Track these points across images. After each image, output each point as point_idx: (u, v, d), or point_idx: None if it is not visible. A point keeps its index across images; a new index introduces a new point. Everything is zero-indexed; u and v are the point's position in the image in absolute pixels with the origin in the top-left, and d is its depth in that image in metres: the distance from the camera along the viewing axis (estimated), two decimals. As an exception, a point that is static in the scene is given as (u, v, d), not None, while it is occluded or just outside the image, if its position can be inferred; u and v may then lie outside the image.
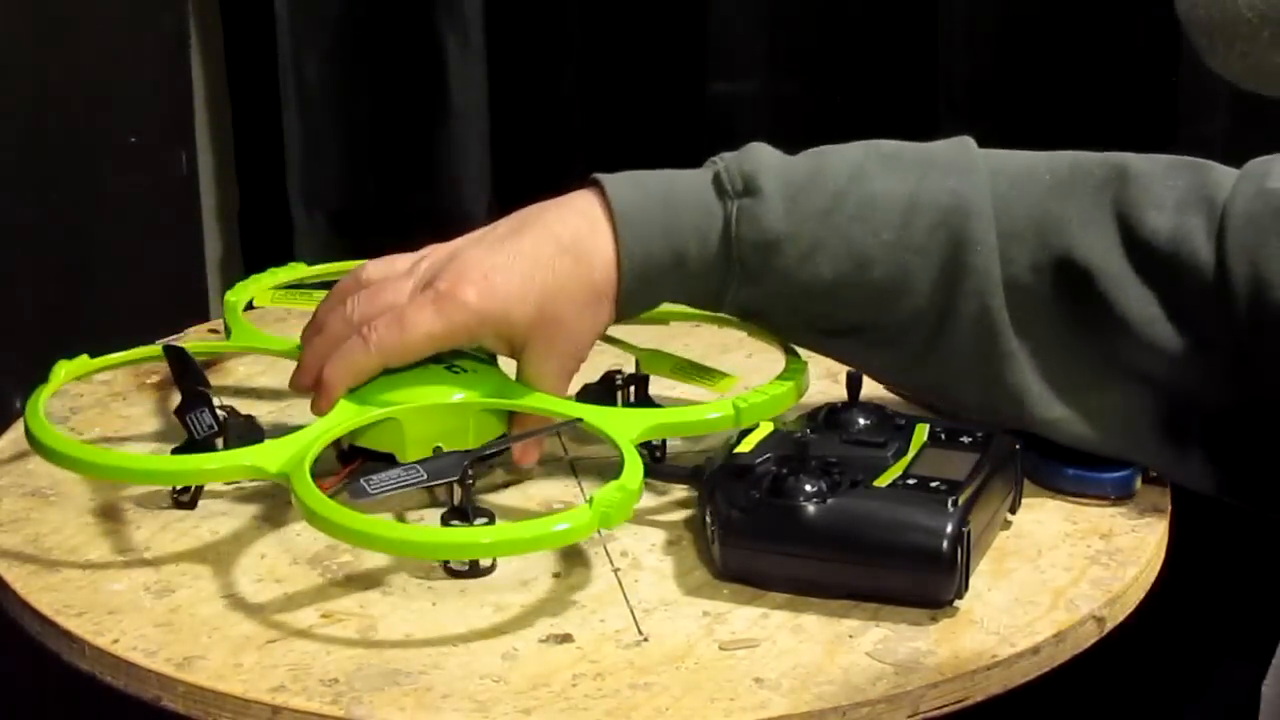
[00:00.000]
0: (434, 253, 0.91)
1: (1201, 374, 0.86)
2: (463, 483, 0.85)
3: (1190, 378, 0.87)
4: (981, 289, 0.88)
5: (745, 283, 0.90)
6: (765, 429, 0.89)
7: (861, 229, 0.88)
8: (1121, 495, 0.92)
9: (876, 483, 0.83)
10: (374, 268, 0.93)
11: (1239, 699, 1.01)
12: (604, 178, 0.90)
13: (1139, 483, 0.92)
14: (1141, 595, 0.86)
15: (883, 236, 0.88)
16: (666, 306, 1.11)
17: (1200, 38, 0.66)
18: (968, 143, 0.92)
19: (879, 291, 0.89)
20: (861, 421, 0.90)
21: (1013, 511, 0.90)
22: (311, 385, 0.90)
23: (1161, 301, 0.87)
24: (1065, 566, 0.86)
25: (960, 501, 0.81)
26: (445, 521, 0.85)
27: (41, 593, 0.83)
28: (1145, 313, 0.87)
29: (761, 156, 0.90)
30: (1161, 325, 0.86)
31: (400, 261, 0.92)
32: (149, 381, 1.06)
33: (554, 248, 0.88)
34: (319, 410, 0.89)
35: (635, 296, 0.90)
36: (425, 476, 0.84)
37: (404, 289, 0.89)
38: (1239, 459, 0.88)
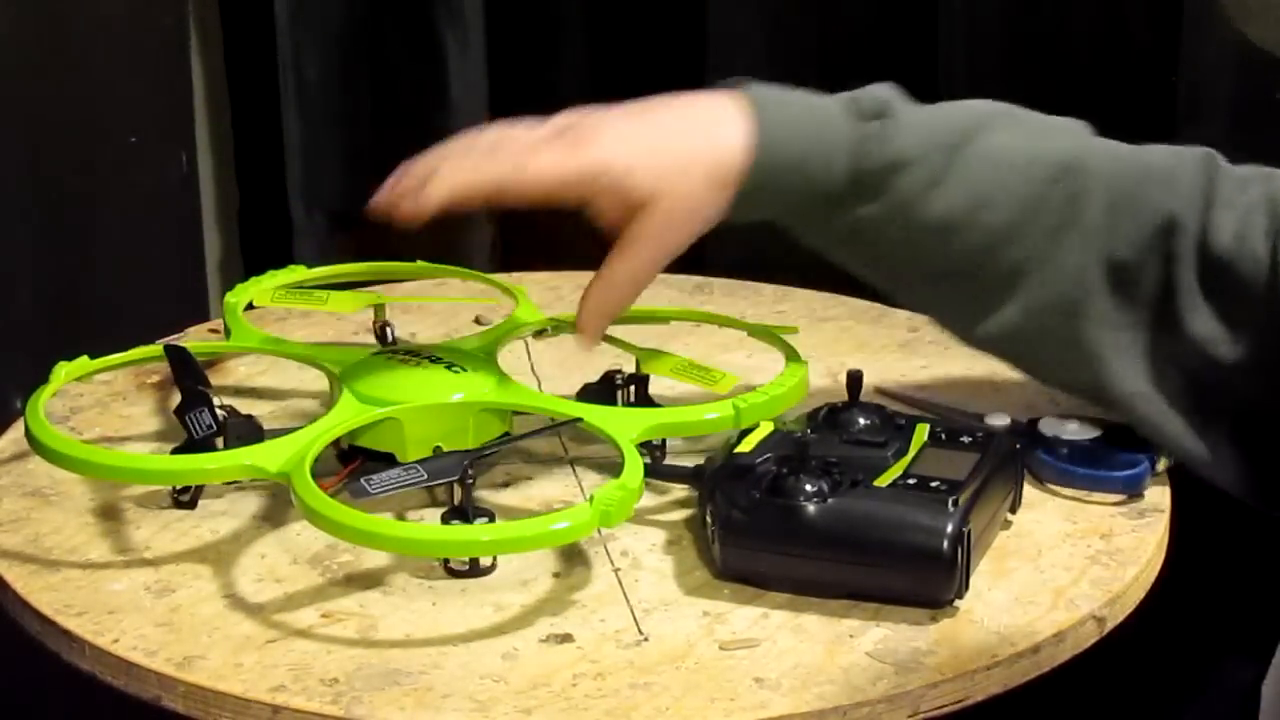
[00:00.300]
0: (566, 114, 0.91)
1: (1250, 373, 0.87)
2: (463, 482, 0.85)
3: (1242, 377, 0.88)
4: (1088, 246, 0.89)
5: (863, 200, 0.89)
6: (765, 429, 0.89)
7: (984, 169, 0.90)
8: (1132, 493, 0.92)
9: (876, 483, 0.83)
10: (499, 126, 0.92)
11: (1239, 699, 1.01)
12: (745, 82, 0.90)
13: (1149, 481, 0.92)
14: (1141, 595, 0.86)
15: (1003, 181, 0.90)
16: (667, 305, 1.11)
17: (1235, 6, 0.67)
18: (1079, 121, 0.94)
19: (990, 236, 0.90)
20: (861, 421, 0.90)
21: (1013, 511, 0.90)
22: (411, 189, 0.88)
23: (1222, 303, 0.88)
24: (1065, 566, 0.86)
25: (960, 501, 0.81)
26: (445, 521, 0.85)
27: (41, 593, 0.83)
28: (1207, 307, 0.88)
29: (892, 92, 0.92)
30: (1218, 323, 0.88)
31: (527, 123, 0.91)
32: (149, 381, 1.06)
33: (689, 125, 0.89)
34: (412, 208, 0.87)
35: (754, 194, 0.89)
36: (425, 476, 0.84)
37: (534, 135, 0.89)
38: (1273, 461, 0.89)
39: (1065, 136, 0.92)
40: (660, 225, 0.88)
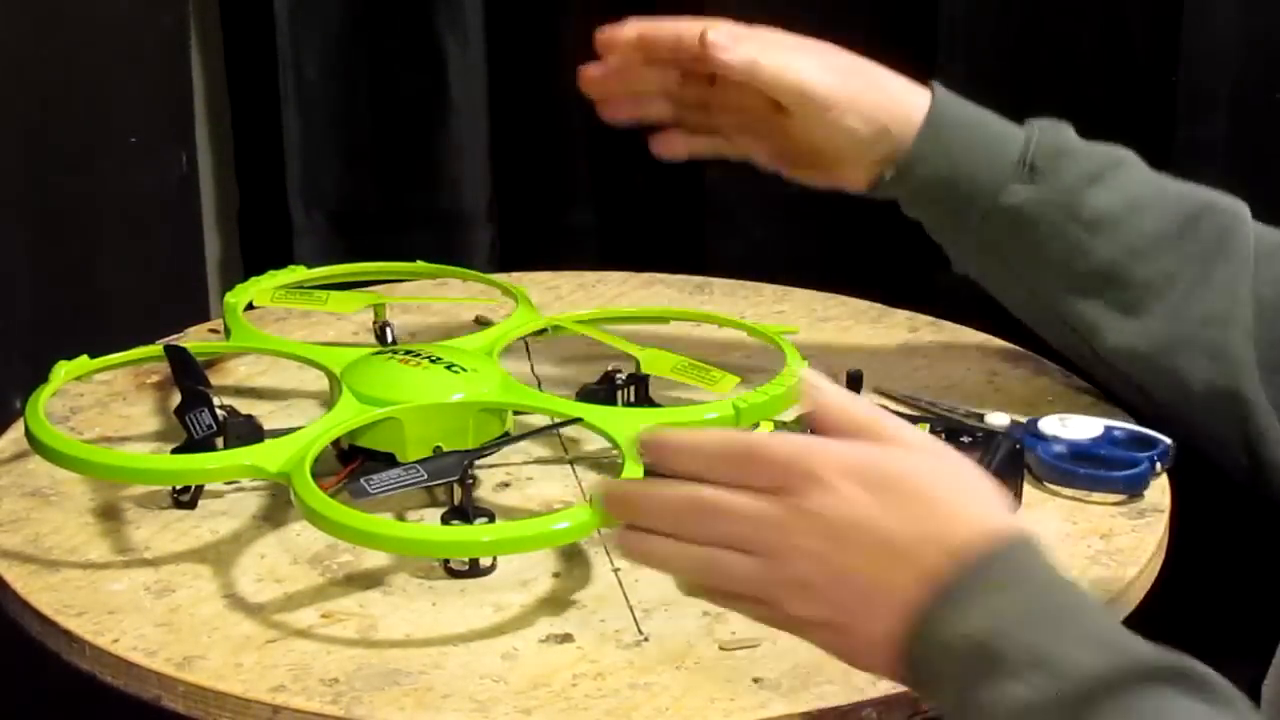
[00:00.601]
0: None
1: None
2: (463, 483, 0.85)
3: None
4: (1237, 274, 0.94)
5: (1028, 181, 0.95)
6: (765, 429, 0.89)
7: (1140, 184, 0.96)
8: (1132, 493, 0.92)
9: (876, 483, 0.83)
10: None
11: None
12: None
13: (1150, 481, 0.92)
14: (1141, 595, 0.86)
15: (1157, 197, 0.96)
16: (666, 305, 1.11)
17: None
18: None
19: (1142, 240, 0.95)
20: (861, 421, 0.89)
21: (1013, 511, 0.89)
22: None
23: None
24: (1065, 567, 0.85)
25: (960, 501, 0.81)
26: (445, 521, 0.85)
27: (41, 593, 0.83)
28: None
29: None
30: None
31: None
32: (149, 381, 1.06)
33: (877, 65, 0.97)
34: (606, 39, 0.98)
35: (929, 139, 0.95)
36: (425, 476, 0.84)
37: None
38: None
39: (1212, 191, 0.98)
40: (829, 69, 0.95)
